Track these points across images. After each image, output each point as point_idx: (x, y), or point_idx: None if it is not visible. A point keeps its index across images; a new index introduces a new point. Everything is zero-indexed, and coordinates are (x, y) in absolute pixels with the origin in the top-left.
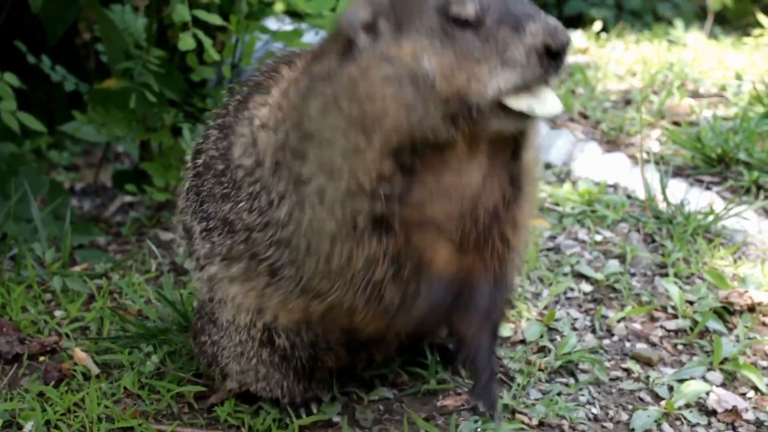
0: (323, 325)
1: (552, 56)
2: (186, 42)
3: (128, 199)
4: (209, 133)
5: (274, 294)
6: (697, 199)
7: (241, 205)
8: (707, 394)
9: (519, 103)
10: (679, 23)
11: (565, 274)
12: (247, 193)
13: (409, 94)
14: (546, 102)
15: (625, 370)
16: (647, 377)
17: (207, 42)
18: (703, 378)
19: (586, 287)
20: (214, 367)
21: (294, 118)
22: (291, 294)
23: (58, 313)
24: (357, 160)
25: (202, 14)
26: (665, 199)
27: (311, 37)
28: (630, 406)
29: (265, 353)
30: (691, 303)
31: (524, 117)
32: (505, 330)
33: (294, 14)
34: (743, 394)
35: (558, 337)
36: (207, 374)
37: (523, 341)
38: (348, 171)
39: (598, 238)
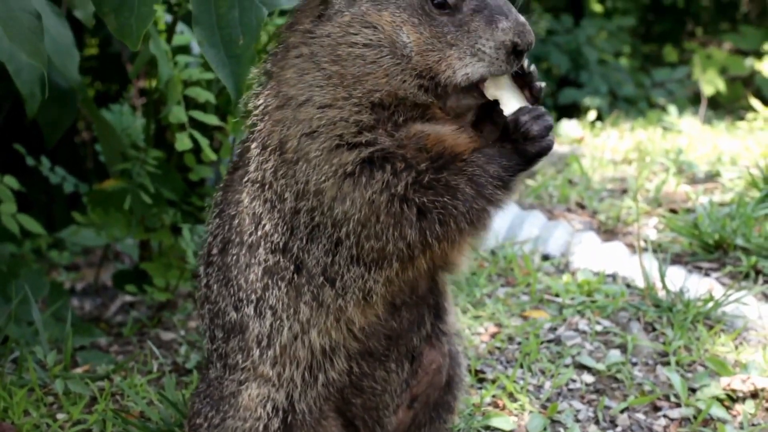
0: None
1: (516, 53)
2: (183, 143)
3: (129, 298)
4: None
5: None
6: (696, 285)
7: (266, 227)
8: None
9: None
10: (673, 109)
11: (567, 366)
12: (263, 213)
13: (389, 61)
14: (505, 86)
15: None
16: None
17: (204, 142)
18: None
19: (588, 378)
20: None
21: (273, 87)
22: (350, 276)
23: (60, 416)
24: (333, 114)
25: (198, 115)
26: (664, 287)
27: None
28: None
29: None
30: (693, 391)
31: (482, 96)
32: (508, 424)
33: None
34: None
35: (561, 430)
36: None
37: None
38: (325, 127)
39: (599, 328)
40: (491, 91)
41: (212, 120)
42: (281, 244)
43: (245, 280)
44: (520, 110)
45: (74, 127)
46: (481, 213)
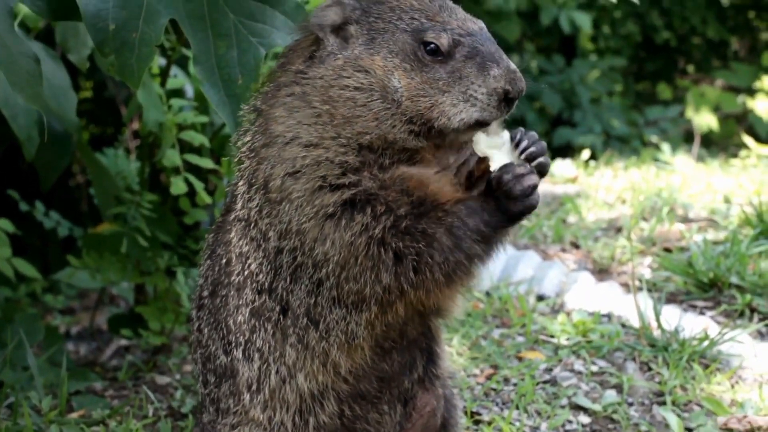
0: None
1: (508, 100)
2: (178, 186)
3: (124, 342)
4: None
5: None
6: (692, 324)
7: (252, 266)
8: None
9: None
10: (666, 147)
11: (563, 407)
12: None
13: (379, 105)
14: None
15: None
16: None
17: (199, 186)
18: None
19: (585, 419)
20: None
21: (261, 125)
22: (332, 317)
23: None
24: (318, 153)
25: (193, 158)
26: (659, 326)
27: None
28: None
29: None
30: (690, 431)
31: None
32: None
33: None
34: None
35: None
36: None
37: None
38: (309, 167)
39: (594, 368)
40: (481, 147)
41: (207, 163)
42: (266, 284)
43: (234, 322)
44: (505, 168)
45: (69, 170)
46: (457, 265)
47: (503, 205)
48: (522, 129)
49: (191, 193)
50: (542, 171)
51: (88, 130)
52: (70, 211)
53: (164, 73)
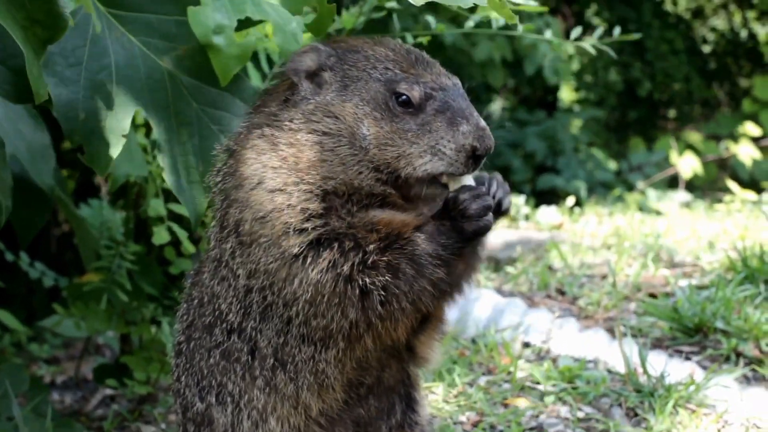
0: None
1: (475, 157)
2: (160, 236)
3: (109, 391)
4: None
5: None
6: (677, 370)
7: (222, 306)
8: None
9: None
10: (651, 193)
11: None
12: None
13: (346, 151)
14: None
15: None
16: None
17: (183, 235)
18: None
19: None
20: None
21: (231, 166)
22: (301, 357)
23: None
24: (282, 200)
25: (177, 207)
26: (645, 371)
27: None
28: None
29: None
30: None
31: (445, 187)
32: None
33: None
34: None
35: None
36: None
37: None
38: (274, 212)
39: (581, 414)
40: (445, 177)
41: None
42: (236, 323)
43: (206, 365)
44: (462, 188)
45: (54, 219)
46: (422, 292)
47: (458, 225)
48: (486, 174)
49: (177, 242)
50: (505, 210)
51: (72, 179)
52: (55, 260)
53: (148, 123)
